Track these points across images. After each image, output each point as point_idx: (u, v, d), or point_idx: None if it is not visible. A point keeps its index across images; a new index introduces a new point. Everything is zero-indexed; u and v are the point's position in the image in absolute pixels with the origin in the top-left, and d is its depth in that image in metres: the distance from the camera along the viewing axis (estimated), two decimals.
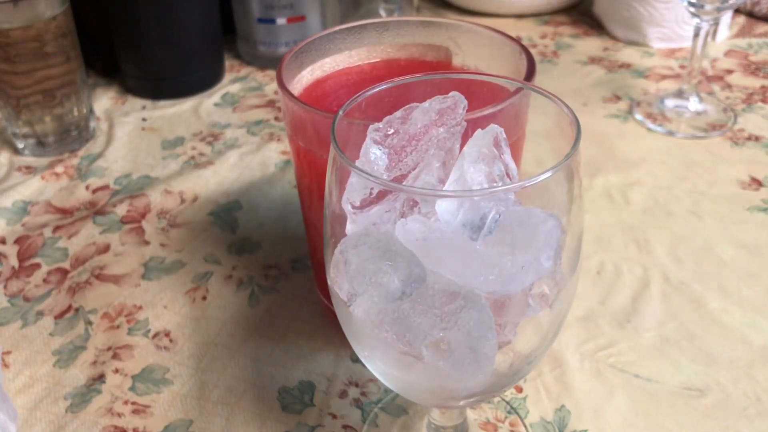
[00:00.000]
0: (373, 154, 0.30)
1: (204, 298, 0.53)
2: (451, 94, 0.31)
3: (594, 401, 0.43)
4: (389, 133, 0.30)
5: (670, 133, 0.69)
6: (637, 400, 0.43)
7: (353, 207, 0.30)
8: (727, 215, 0.58)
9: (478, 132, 0.30)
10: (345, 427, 0.43)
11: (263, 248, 0.57)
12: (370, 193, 0.29)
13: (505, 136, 0.30)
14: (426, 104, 0.31)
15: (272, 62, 0.85)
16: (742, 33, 0.89)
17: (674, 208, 0.59)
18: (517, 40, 0.43)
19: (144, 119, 0.77)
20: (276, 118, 0.76)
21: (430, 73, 0.35)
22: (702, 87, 0.76)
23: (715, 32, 0.86)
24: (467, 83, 0.37)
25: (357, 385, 0.45)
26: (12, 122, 0.69)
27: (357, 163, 0.30)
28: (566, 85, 0.79)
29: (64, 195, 0.65)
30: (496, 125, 0.30)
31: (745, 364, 0.45)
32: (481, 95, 0.36)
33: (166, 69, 0.79)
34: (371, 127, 0.31)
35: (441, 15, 0.97)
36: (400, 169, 0.30)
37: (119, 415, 0.44)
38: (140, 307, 0.52)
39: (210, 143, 0.72)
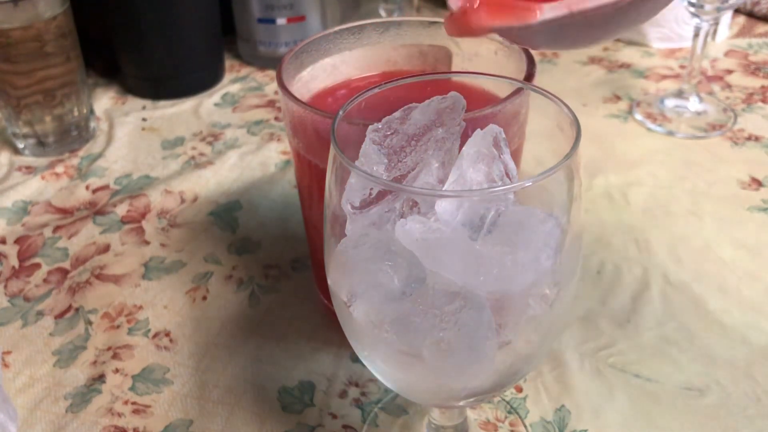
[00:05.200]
0: (373, 155, 0.30)
1: (204, 298, 0.53)
2: (450, 94, 0.31)
3: (594, 401, 0.43)
4: (388, 133, 0.30)
5: (670, 133, 0.69)
6: (637, 400, 0.43)
7: (353, 207, 0.30)
8: (727, 215, 0.58)
9: (478, 132, 0.30)
10: (345, 427, 0.43)
11: (263, 248, 0.57)
12: (370, 194, 0.29)
13: (504, 136, 0.30)
14: (425, 104, 0.31)
15: (272, 62, 0.85)
16: (742, 33, 0.89)
17: (674, 208, 0.59)
18: None
19: (144, 119, 0.77)
20: (276, 118, 0.76)
21: (430, 74, 0.35)
22: (702, 87, 0.76)
23: (715, 32, 0.86)
24: (467, 83, 0.37)
25: (357, 385, 0.45)
26: (12, 122, 0.69)
27: (357, 163, 0.30)
28: (566, 85, 0.79)
29: (65, 195, 0.65)
30: (495, 125, 0.30)
31: (745, 364, 0.45)
32: (481, 95, 0.36)
33: (166, 69, 0.79)
34: (371, 127, 0.31)
35: (441, 15, 0.97)
36: (400, 169, 0.30)
37: (119, 415, 0.44)
38: (140, 307, 0.52)
39: (210, 143, 0.72)
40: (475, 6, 0.27)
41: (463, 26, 0.28)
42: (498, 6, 0.27)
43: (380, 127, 0.31)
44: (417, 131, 0.30)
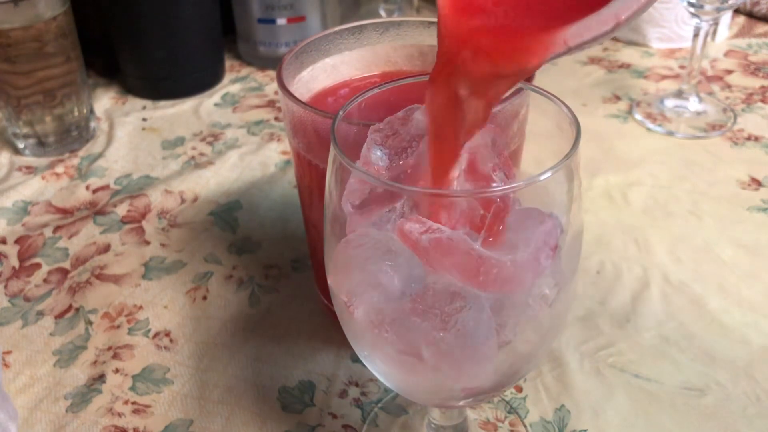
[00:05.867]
0: (374, 155, 0.30)
1: (204, 298, 0.53)
2: None
3: (594, 401, 0.43)
4: (390, 133, 0.30)
5: (670, 133, 0.69)
6: (637, 400, 0.43)
7: (353, 207, 0.30)
8: (727, 215, 0.58)
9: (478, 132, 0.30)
10: (345, 426, 0.43)
11: (263, 248, 0.57)
12: (370, 193, 0.29)
13: (503, 136, 0.30)
14: None
15: (272, 62, 0.85)
16: (741, 33, 0.89)
17: (674, 208, 0.59)
18: None
19: (144, 119, 0.77)
20: (276, 118, 0.76)
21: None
22: (702, 87, 0.76)
23: (714, 32, 0.86)
24: None
25: (357, 385, 0.45)
26: (12, 122, 0.69)
27: (357, 163, 0.30)
28: (566, 85, 0.79)
29: (65, 195, 0.65)
30: (494, 126, 0.30)
31: (744, 364, 0.45)
32: None
33: (166, 69, 0.79)
34: (372, 127, 0.31)
35: None
36: (400, 169, 0.30)
37: (119, 414, 0.44)
38: (140, 307, 0.52)
39: (210, 143, 0.72)
40: (474, 52, 0.26)
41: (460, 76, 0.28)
42: (498, 53, 0.26)
43: (382, 127, 0.31)
44: (418, 132, 0.30)
